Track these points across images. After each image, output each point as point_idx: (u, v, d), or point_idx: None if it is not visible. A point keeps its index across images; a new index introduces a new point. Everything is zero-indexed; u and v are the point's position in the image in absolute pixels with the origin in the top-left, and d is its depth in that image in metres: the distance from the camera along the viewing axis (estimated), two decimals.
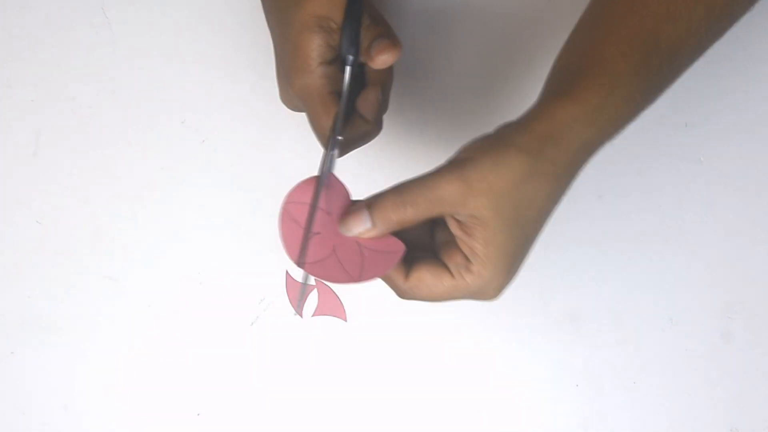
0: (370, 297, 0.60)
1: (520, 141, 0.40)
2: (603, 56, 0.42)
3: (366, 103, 0.46)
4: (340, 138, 0.44)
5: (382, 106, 0.47)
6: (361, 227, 0.41)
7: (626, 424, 0.60)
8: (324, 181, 0.43)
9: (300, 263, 0.42)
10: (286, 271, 0.61)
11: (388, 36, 0.44)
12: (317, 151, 0.60)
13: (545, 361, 0.60)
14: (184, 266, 0.60)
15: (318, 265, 0.42)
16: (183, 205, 0.60)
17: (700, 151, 0.59)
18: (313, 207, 0.43)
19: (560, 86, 0.42)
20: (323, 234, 0.42)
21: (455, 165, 0.40)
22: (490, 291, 0.42)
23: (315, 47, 0.44)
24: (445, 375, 0.60)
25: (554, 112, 0.41)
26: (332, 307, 0.61)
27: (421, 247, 0.43)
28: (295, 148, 0.60)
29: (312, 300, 0.61)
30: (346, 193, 0.43)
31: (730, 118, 0.60)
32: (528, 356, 0.60)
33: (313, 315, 0.61)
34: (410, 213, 0.40)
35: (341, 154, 0.44)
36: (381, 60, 0.44)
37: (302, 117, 0.59)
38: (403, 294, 0.43)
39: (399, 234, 0.42)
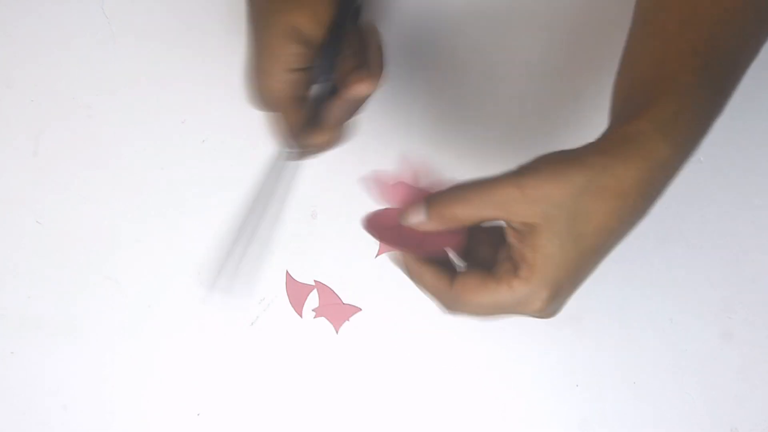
0: (369, 297, 0.60)
1: (585, 156, 0.40)
2: (666, 70, 0.42)
3: (330, 114, 0.47)
4: (295, 150, 0.46)
5: (350, 117, 0.48)
6: (415, 218, 0.42)
7: (626, 424, 0.60)
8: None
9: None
10: (286, 271, 0.61)
11: (369, 67, 0.46)
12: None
13: (545, 361, 0.60)
14: (184, 266, 0.60)
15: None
16: (183, 205, 0.60)
17: (700, 151, 0.59)
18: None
19: (629, 107, 0.42)
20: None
21: (516, 171, 0.40)
22: (536, 302, 0.41)
23: (288, 54, 0.45)
24: (445, 375, 0.60)
25: (624, 131, 0.40)
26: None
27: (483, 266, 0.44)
28: None
29: (312, 300, 0.61)
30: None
31: (730, 118, 0.60)
32: (528, 356, 0.60)
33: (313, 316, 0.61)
34: (461, 210, 0.41)
35: (300, 159, 0.47)
36: (355, 90, 0.45)
37: None
38: (449, 303, 0.43)
39: (464, 255, 0.44)
